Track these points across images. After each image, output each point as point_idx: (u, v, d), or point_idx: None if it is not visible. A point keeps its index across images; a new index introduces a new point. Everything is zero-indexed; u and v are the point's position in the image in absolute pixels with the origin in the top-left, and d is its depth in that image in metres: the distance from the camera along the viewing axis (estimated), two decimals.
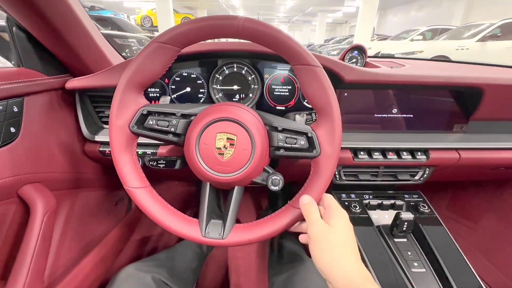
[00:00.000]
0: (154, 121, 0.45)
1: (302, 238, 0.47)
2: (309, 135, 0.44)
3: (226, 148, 0.43)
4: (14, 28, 0.57)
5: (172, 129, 0.46)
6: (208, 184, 0.47)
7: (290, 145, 0.45)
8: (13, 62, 0.62)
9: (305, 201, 0.43)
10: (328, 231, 0.38)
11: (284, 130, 0.46)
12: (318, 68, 0.42)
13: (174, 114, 0.46)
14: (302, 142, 0.45)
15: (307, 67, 0.42)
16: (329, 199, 0.44)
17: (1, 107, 0.51)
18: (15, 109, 0.53)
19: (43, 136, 0.59)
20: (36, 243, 0.54)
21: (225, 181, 0.44)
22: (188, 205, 1.31)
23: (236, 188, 0.47)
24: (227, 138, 0.43)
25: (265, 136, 0.46)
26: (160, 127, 0.45)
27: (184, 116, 0.47)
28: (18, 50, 0.59)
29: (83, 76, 0.64)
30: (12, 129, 0.53)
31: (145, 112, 0.45)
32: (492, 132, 0.75)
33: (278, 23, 25.48)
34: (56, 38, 0.56)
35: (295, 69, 0.43)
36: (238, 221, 0.47)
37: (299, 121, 0.58)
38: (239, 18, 0.40)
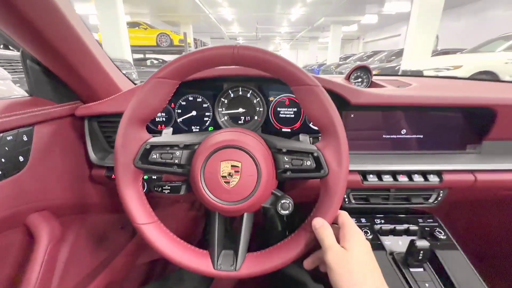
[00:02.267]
0: (157, 154, 0.44)
1: (306, 264, 0.44)
2: (315, 154, 0.41)
3: (231, 175, 0.41)
4: (27, 61, 0.57)
5: (176, 161, 0.44)
6: (216, 214, 0.44)
7: (296, 166, 0.42)
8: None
9: (318, 224, 0.40)
10: (344, 255, 0.36)
11: (289, 152, 0.43)
12: (316, 87, 0.40)
13: (177, 145, 0.45)
14: (308, 162, 0.42)
15: (306, 87, 0.40)
16: (344, 217, 0.42)
17: (11, 136, 0.49)
18: (25, 138, 0.52)
19: (51, 163, 0.57)
20: (39, 273, 0.52)
21: (234, 209, 0.41)
22: (195, 227, 1.27)
23: (245, 215, 0.44)
24: (232, 166, 0.41)
25: (270, 159, 0.43)
26: (164, 160, 0.44)
27: (186, 146, 0.45)
28: (31, 80, 0.58)
29: (93, 103, 0.63)
30: (21, 158, 0.51)
31: (148, 147, 0.43)
32: (508, 153, 0.68)
33: (280, 41, 23.12)
34: (67, 68, 0.56)
35: (295, 91, 0.41)
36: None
37: (303, 140, 0.54)
38: (234, 46, 0.38)
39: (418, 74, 4.31)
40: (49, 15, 0.45)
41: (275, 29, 16.66)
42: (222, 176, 0.41)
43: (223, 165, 0.41)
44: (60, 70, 0.57)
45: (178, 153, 0.44)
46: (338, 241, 0.39)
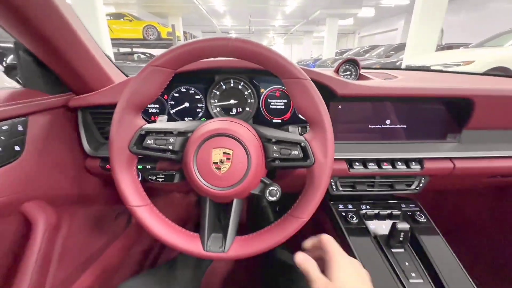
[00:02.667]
0: (152, 140, 0.46)
1: (306, 245, 0.45)
2: (303, 145, 0.45)
3: (222, 162, 0.44)
4: (20, 52, 0.59)
5: (170, 147, 0.47)
6: (207, 198, 0.48)
7: (285, 156, 0.46)
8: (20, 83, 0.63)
9: (300, 260, 0.40)
10: (328, 286, 0.35)
11: (278, 142, 0.47)
12: (306, 80, 0.43)
13: (171, 132, 0.47)
14: (296, 152, 0.45)
15: (296, 80, 0.43)
16: (327, 244, 0.41)
17: (7, 126, 0.52)
18: (20, 128, 0.54)
19: (46, 153, 0.60)
20: (36, 259, 0.54)
21: (224, 195, 0.44)
22: (188, 216, 1.31)
23: (235, 201, 0.47)
24: (223, 153, 0.44)
25: (260, 148, 0.47)
26: (158, 146, 0.46)
27: (180, 133, 0.48)
28: (24, 71, 0.60)
29: (86, 94, 0.65)
30: (17, 147, 0.53)
31: (143, 132, 0.46)
32: (486, 141, 0.74)
33: (274, 36, 22.92)
34: (59, 59, 0.57)
35: (285, 83, 0.45)
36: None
37: (292, 131, 0.58)
38: (229, 39, 0.41)
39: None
40: (42, 6, 0.47)
41: (269, 23, 16.41)
42: (214, 163, 0.44)
43: (215, 152, 0.44)
44: (53, 61, 0.59)
45: (172, 139, 0.47)
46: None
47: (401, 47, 6.92)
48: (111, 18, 8.25)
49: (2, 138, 0.50)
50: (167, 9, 11.02)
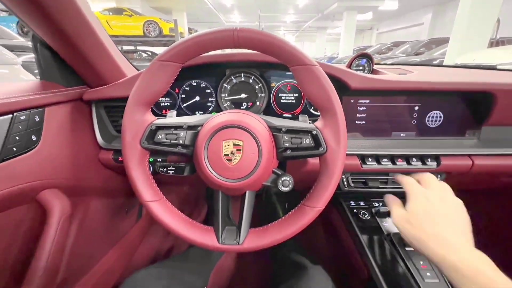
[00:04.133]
0: (163, 135, 0.51)
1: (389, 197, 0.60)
2: (314, 133, 0.48)
3: (233, 154, 0.47)
4: (38, 45, 0.67)
5: (181, 141, 0.51)
6: (220, 192, 0.52)
7: (296, 145, 0.49)
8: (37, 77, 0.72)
9: (387, 198, 0.59)
10: (406, 216, 0.51)
11: (288, 131, 0.50)
12: (314, 66, 0.46)
13: (181, 126, 0.52)
14: (307, 140, 0.48)
15: (304, 67, 0.46)
16: (404, 183, 0.57)
17: (24, 116, 0.59)
18: (37, 119, 0.62)
19: (61, 144, 0.67)
20: (51, 246, 0.61)
21: (236, 186, 0.48)
22: (198, 209, 1.40)
23: (247, 192, 0.51)
24: (234, 144, 0.47)
25: (271, 138, 0.50)
26: (169, 141, 0.51)
27: (190, 127, 0.52)
28: (41, 65, 0.68)
29: (99, 88, 0.73)
30: (34, 137, 0.61)
31: (154, 128, 0.51)
32: (507, 138, 0.77)
33: (285, 32, 22.75)
34: (75, 52, 0.64)
35: (293, 71, 0.48)
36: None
37: (302, 121, 0.61)
38: (234, 29, 0.45)
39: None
40: (62, 1, 0.53)
41: (280, 18, 16.27)
42: (225, 155, 0.47)
43: (225, 144, 0.47)
44: (69, 55, 0.67)
45: (182, 133, 0.51)
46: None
47: (433, 43, 6.65)
48: (110, 13, 8.34)
49: (20, 127, 0.57)
50: (170, 3, 11.10)
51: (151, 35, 8.36)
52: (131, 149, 0.50)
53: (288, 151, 0.50)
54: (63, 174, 0.67)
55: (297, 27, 19.23)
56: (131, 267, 0.96)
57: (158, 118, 0.54)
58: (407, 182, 0.56)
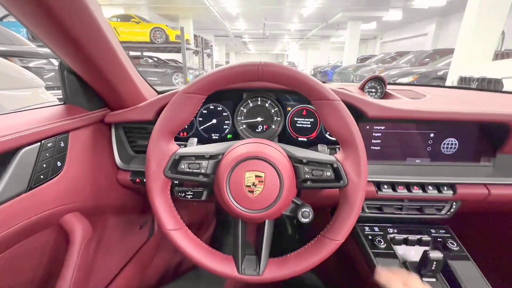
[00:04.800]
0: (186, 164, 0.52)
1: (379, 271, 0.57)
2: (335, 165, 0.49)
3: (255, 185, 0.48)
4: (65, 72, 0.68)
5: (202, 171, 0.52)
6: (240, 221, 0.52)
7: (317, 176, 0.50)
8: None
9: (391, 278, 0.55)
10: None
11: (309, 162, 0.51)
12: (336, 101, 0.48)
13: (203, 156, 0.53)
14: (328, 173, 0.50)
15: (327, 102, 0.48)
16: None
17: (51, 143, 0.60)
18: (62, 144, 0.63)
19: (84, 167, 0.68)
20: (75, 267, 0.63)
21: (257, 217, 0.49)
22: (206, 221, 1.42)
23: (267, 222, 0.52)
24: (256, 176, 0.48)
25: (291, 169, 0.51)
26: (192, 170, 0.52)
27: (212, 156, 0.53)
28: (66, 89, 0.70)
29: (121, 111, 0.74)
30: (59, 163, 0.62)
31: (177, 157, 0.52)
32: None
33: (289, 40, 22.99)
34: (100, 77, 0.66)
35: (315, 104, 0.49)
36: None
37: (321, 151, 0.62)
38: (259, 64, 0.47)
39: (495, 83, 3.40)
40: (89, 28, 0.54)
41: (284, 26, 16.52)
42: (247, 186, 0.48)
43: (248, 175, 0.48)
44: (94, 80, 0.68)
45: (204, 163, 0.52)
46: None
47: (437, 53, 6.65)
48: (118, 20, 8.56)
49: (47, 154, 0.59)
50: (176, 10, 11.30)
51: (158, 41, 8.53)
52: (155, 178, 0.51)
53: (309, 182, 0.51)
54: (84, 197, 0.68)
55: (301, 35, 19.45)
56: (145, 282, 0.97)
57: (181, 147, 0.55)
58: (391, 285, 0.54)
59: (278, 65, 0.48)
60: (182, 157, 0.53)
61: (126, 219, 0.93)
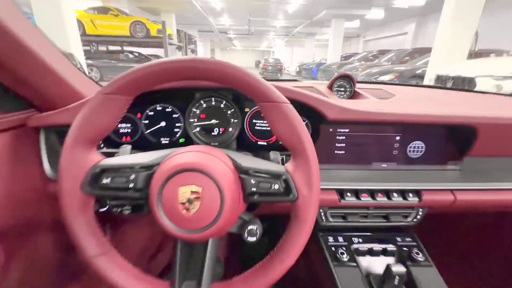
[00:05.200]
0: (109, 178, 0.43)
1: None
2: (284, 177, 0.43)
3: (191, 202, 0.40)
4: None
5: (131, 185, 0.44)
6: (178, 241, 0.46)
7: (264, 190, 0.44)
8: None
9: None
10: None
11: (256, 174, 0.44)
12: (284, 104, 0.42)
13: (132, 167, 0.45)
14: (276, 186, 0.43)
15: (272, 105, 0.42)
16: None
17: None
18: None
19: (1, 179, 0.58)
20: None
21: (196, 238, 0.42)
22: (159, 245, 1.23)
23: (210, 241, 0.46)
24: (192, 191, 0.40)
25: (236, 182, 0.44)
26: (117, 185, 0.43)
27: (144, 167, 0.45)
28: None
29: (48, 112, 0.64)
30: None
31: (97, 170, 0.44)
32: (489, 169, 0.75)
33: (274, 37, 23.23)
34: (11, 76, 0.56)
35: (261, 107, 0.43)
36: None
37: (273, 159, 0.56)
38: (193, 60, 0.40)
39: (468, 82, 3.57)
40: None
41: (270, 23, 16.53)
42: (181, 203, 0.40)
43: (182, 191, 0.40)
44: (5, 78, 0.57)
45: (133, 175, 0.44)
46: None
47: (416, 52, 6.91)
48: (95, 12, 8.20)
49: None
50: (158, 4, 10.76)
51: (138, 36, 8.29)
52: (70, 195, 0.43)
53: (256, 196, 0.45)
54: (1, 213, 0.58)
55: (287, 32, 19.51)
56: None
57: (108, 157, 0.47)
58: None
59: (215, 61, 0.41)
60: (105, 170, 0.44)
61: (60, 240, 0.79)
